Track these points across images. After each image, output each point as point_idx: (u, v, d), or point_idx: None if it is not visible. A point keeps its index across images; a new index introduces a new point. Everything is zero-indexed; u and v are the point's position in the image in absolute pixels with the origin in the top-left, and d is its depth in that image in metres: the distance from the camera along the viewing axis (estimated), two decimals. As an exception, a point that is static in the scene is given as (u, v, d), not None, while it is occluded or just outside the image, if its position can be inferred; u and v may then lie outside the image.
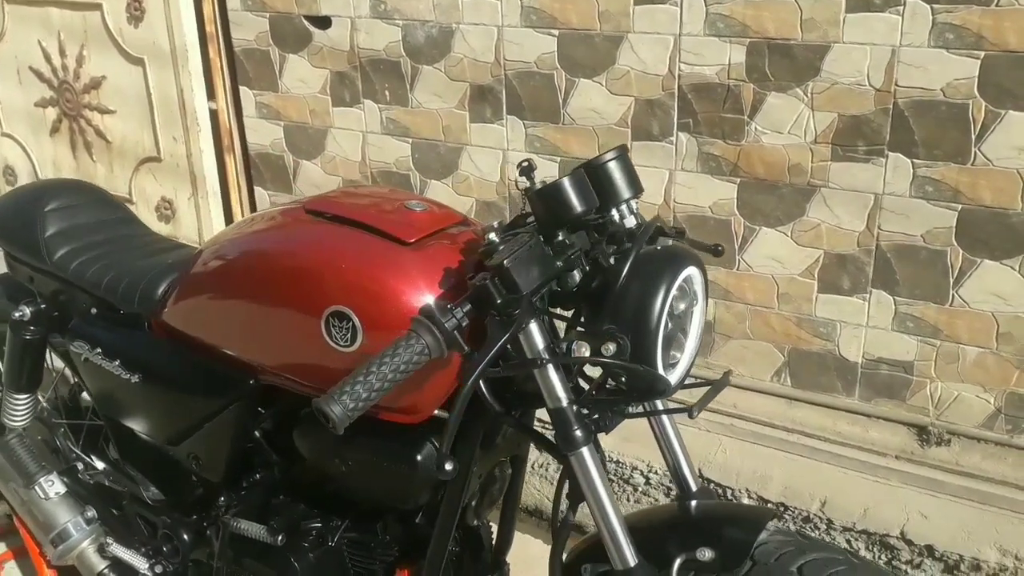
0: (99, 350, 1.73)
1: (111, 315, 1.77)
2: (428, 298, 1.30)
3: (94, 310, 1.80)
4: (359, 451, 1.44)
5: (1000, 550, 2.26)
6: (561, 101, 2.76)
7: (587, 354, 1.21)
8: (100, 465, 1.92)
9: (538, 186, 1.31)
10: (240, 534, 1.63)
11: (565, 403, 1.27)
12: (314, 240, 1.42)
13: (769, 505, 2.48)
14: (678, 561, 1.28)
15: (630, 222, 1.36)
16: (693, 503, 1.39)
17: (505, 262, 1.18)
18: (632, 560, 1.28)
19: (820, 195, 2.47)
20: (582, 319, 1.29)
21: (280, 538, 1.58)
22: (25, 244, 1.84)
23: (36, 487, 1.83)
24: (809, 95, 2.39)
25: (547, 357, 1.24)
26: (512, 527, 1.70)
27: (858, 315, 2.54)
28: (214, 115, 3.40)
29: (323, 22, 3.10)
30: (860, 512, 2.40)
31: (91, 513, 1.90)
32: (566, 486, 1.33)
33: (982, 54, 2.15)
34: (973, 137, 2.22)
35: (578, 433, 1.27)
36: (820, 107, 2.39)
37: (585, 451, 1.27)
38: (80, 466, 1.92)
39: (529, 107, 2.83)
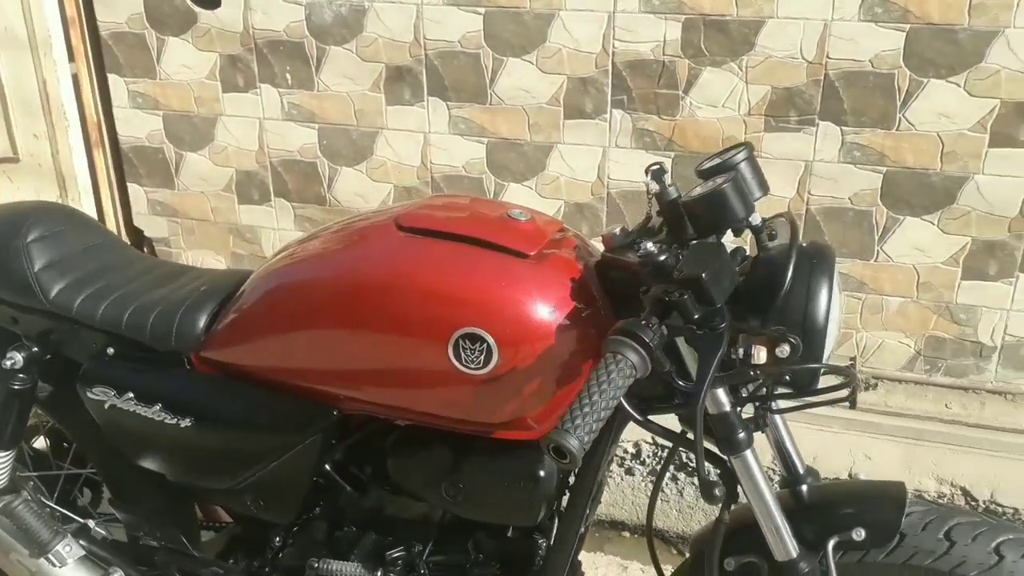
0: (130, 395, 1.56)
1: (136, 355, 1.60)
2: (560, 312, 1.30)
3: (110, 350, 1.61)
4: (474, 473, 1.41)
5: (937, 479, 2.54)
6: (488, 81, 2.77)
7: (764, 358, 1.24)
8: (123, 519, 1.75)
9: (669, 189, 1.32)
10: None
11: (728, 407, 1.28)
12: (428, 260, 1.36)
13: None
14: (831, 543, 1.33)
15: (754, 219, 1.37)
16: (805, 487, 1.42)
17: (704, 275, 1.17)
18: (794, 551, 1.33)
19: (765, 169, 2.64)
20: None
21: (379, 574, 1.53)
22: (8, 282, 1.62)
23: (51, 555, 1.63)
24: (744, 69, 2.54)
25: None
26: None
27: (789, 276, 2.74)
28: (80, 107, 3.11)
29: (210, 2, 2.91)
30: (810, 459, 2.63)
31: (119, 575, 1.74)
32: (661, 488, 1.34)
33: (907, 27, 2.37)
34: (898, 104, 2.46)
35: (741, 436, 1.29)
36: (754, 80, 2.54)
37: (748, 453, 1.30)
38: (92, 523, 1.74)
39: (453, 88, 2.81)
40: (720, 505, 1.30)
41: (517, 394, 1.32)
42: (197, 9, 2.94)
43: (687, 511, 2.70)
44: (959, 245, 2.56)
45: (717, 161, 1.34)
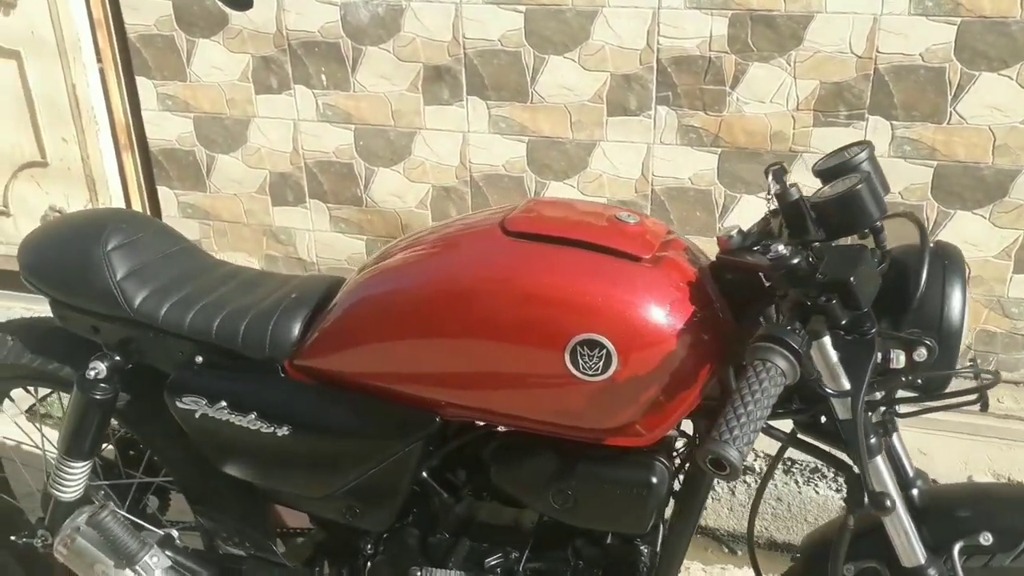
0: (223, 404, 1.56)
1: (227, 363, 1.60)
2: (678, 316, 1.30)
3: (199, 359, 1.61)
4: (583, 480, 1.41)
5: (994, 474, 2.56)
6: (529, 79, 2.76)
7: (903, 362, 1.22)
8: (207, 526, 1.76)
9: (791, 190, 1.31)
10: None
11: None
12: (541, 265, 1.35)
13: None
14: (956, 547, 1.34)
15: None
16: (916, 491, 1.41)
17: (852, 279, 1.17)
18: (921, 556, 1.34)
19: (802, 160, 2.64)
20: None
21: None
22: (91, 292, 1.62)
23: (139, 566, 1.64)
24: (792, 64, 2.53)
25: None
26: None
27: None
28: (108, 111, 3.09)
29: (242, 3, 2.89)
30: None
31: None
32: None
33: (959, 20, 2.37)
34: (949, 98, 2.45)
35: (872, 442, 1.29)
36: (803, 75, 2.54)
37: (879, 459, 1.30)
38: (175, 532, 1.74)
39: (492, 86, 2.80)
40: (847, 511, 1.31)
41: (633, 400, 1.33)
42: (228, 11, 2.93)
43: (739, 509, 2.72)
44: (1011, 239, 2.56)
45: (837, 161, 1.34)
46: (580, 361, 1.31)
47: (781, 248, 1.22)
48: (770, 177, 1.34)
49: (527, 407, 1.40)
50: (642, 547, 1.54)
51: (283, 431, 1.53)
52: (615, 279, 1.32)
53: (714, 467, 1.07)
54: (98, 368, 1.64)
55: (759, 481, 2.63)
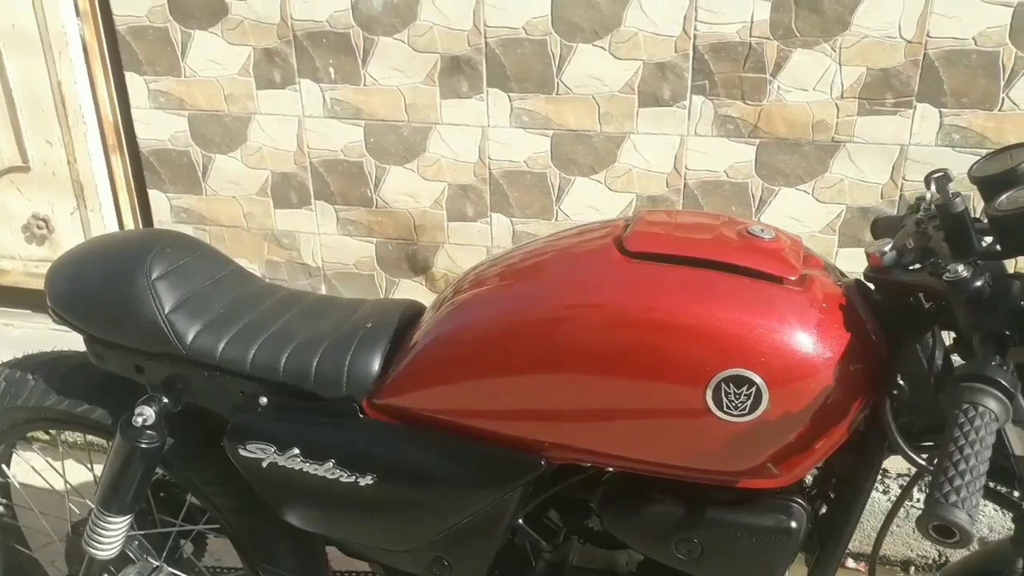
0: (295, 451, 1.38)
1: (297, 404, 1.42)
2: (833, 345, 1.16)
3: (263, 400, 1.43)
4: (714, 528, 1.27)
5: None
6: (555, 69, 2.63)
7: None
8: None
9: (956, 200, 1.15)
10: None
11: None
12: (674, 291, 1.20)
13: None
14: None
15: None
16: None
17: None
18: None
19: (844, 150, 2.55)
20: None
21: None
22: (135, 327, 1.43)
23: None
24: (837, 50, 2.43)
25: None
26: None
27: (878, 265, 2.67)
28: (96, 109, 2.90)
29: (243, -9, 2.73)
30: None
31: None
32: None
33: (1016, 1, 2.30)
34: (1002, 84, 2.38)
35: None
36: (848, 62, 2.44)
37: None
38: None
39: (515, 77, 2.67)
40: (1015, 553, 1.20)
41: (778, 440, 1.18)
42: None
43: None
44: (1061, 227, 2.51)
45: (1001, 167, 1.19)
46: (724, 400, 1.16)
47: (961, 269, 1.08)
48: (932, 186, 1.21)
49: (653, 450, 1.25)
50: None
51: (367, 480, 1.36)
52: (763, 305, 1.17)
53: (940, 535, 0.93)
54: (145, 414, 1.46)
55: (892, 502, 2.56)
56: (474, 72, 2.69)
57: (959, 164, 2.46)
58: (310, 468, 1.38)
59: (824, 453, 1.20)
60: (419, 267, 3.00)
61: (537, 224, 2.83)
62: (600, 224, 1.41)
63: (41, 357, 1.69)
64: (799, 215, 2.65)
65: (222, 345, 1.42)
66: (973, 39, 2.35)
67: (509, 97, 2.70)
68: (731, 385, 1.14)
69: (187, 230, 3.13)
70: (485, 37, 2.64)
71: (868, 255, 1.21)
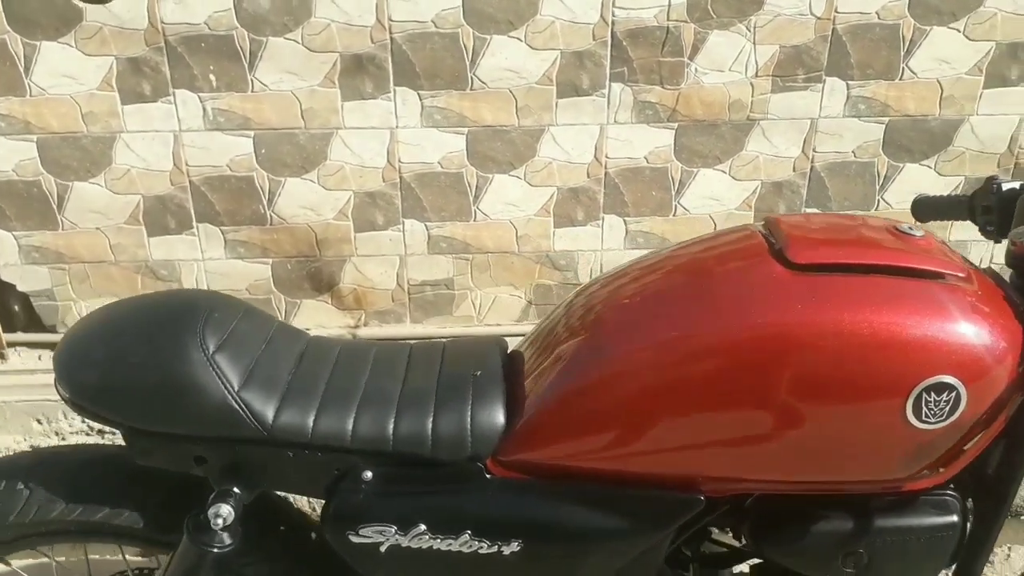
0: (421, 528, 1.22)
1: (410, 474, 1.25)
2: (1009, 337, 1.15)
3: (368, 475, 1.24)
4: (878, 536, 1.23)
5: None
6: (468, 63, 2.51)
7: None
8: None
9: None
10: None
11: None
12: (865, 302, 1.14)
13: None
14: None
15: None
16: None
17: None
18: None
19: (759, 128, 2.63)
20: None
21: None
22: (200, 413, 1.20)
23: None
24: (752, 29, 2.49)
25: None
26: None
27: (791, 236, 2.79)
28: (-83, 140, 2.44)
29: (100, -7, 2.39)
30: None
31: None
32: None
33: (913, -24, 2.46)
34: (902, 54, 2.54)
35: None
36: (762, 40, 2.51)
37: None
38: None
39: (425, 74, 2.53)
40: None
41: (963, 441, 1.19)
42: (82, 5, 2.41)
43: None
44: (953, 185, 2.73)
45: None
46: (924, 409, 1.14)
47: None
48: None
49: (831, 469, 1.21)
50: None
51: (511, 547, 1.23)
52: (948, 307, 1.15)
53: None
54: (223, 512, 1.22)
55: None
56: (379, 71, 2.53)
57: (865, 134, 2.62)
58: (442, 545, 1.23)
59: (984, 445, 1.23)
60: (324, 285, 2.80)
61: (454, 227, 2.72)
62: (724, 236, 1.34)
63: (23, 461, 1.40)
64: (717, 194, 2.72)
65: (312, 420, 1.23)
66: (876, 13, 2.49)
67: (419, 95, 2.56)
68: (931, 393, 1.13)
69: (41, 272, 2.74)
70: (390, 32, 2.48)
71: (1012, 242, 1.24)
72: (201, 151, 2.60)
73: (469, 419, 1.24)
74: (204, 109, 2.55)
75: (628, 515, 1.24)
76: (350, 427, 1.23)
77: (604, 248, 2.77)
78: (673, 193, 2.70)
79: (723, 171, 2.67)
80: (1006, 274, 1.28)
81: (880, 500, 1.25)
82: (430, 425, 1.23)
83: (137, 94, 2.52)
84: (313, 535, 1.42)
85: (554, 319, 1.36)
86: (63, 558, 1.61)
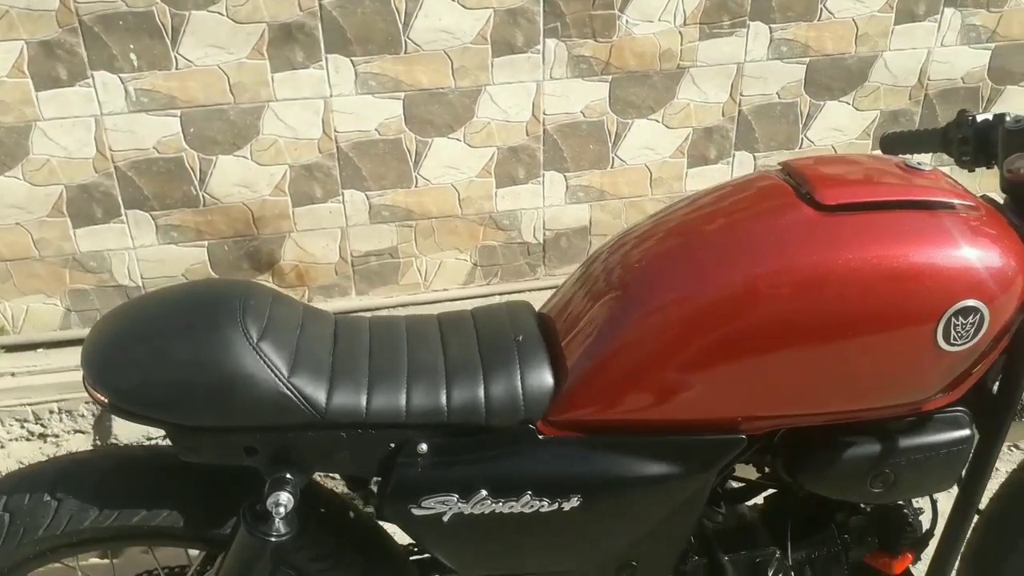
0: (482, 493, 1.23)
1: (466, 443, 1.26)
2: (1016, 259, 1.23)
3: (423, 447, 1.24)
4: (901, 456, 1.31)
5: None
6: (401, 26, 2.48)
7: None
8: None
9: None
10: None
11: None
12: (897, 236, 1.20)
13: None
14: None
15: None
16: None
17: None
18: None
19: (689, 76, 2.69)
20: None
21: None
22: (251, 403, 1.17)
23: None
24: (679, -22, 2.55)
25: None
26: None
27: (723, 177, 2.88)
28: None
29: (2, -28, 2.24)
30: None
31: None
32: None
33: (828, -81, 2.55)
34: (820, -5, 2.65)
35: None
36: (689, -11, 2.58)
37: None
38: None
39: (358, 40, 2.48)
40: None
41: (978, 360, 1.28)
42: (-15, -16, 2.26)
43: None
44: (870, 119, 2.87)
45: None
46: (952, 332, 1.22)
47: None
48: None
49: (863, 398, 1.28)
50: (905, 508, 1.52)
51: (571, 503, 1.26)
52: (970, 235, 1.23)
53: None
54: (282, 499, 1.20)
55: None
56: (309, 39, 2.46)
57: (788, 75, 2.72)
58: (504, 508, 1.25)
59: (991, 363, 1.33)
60: (263, 263, 2.74)
61: (395, 194, 2.69)
62: (745, 184, 1.38)
63: (45, 471, 1.34)
64: (652, 144, 2.78)
65: (364, 399, 1.22)
66: (794, -43, 2.59)
67: (352, 62, 2.51)
68: (959, 317, 1.21)
69: (-43, 274, 2.59)
70: (319, -1, 2.42)
71: (1008, 170, 1.33)
72: (125, 135, 2.49)
73: (520, 383, 1.26)
74: (126, 90, 2.44)
75: (677, 460, 1.28)
76: (404, 402, 1.23)
77: (546, 205, 2.80)
78: (610, 145, 2.75)
79: (656, 120, 2.74)
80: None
81: (901, 422, 1.34)
82: (482, 392, 1.25)
83: (52, 79, 2.38)
84: (352, 514, 1.42)
85: (580, 278, 1.39)
86: (84, 562, 1.56)
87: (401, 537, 1.40)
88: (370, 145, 2.62)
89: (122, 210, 2.58)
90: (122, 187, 2.55)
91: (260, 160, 2.59)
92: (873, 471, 1.33)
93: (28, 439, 2.67)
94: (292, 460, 1.25)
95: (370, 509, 1.37)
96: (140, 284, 2.68)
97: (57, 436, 2.71)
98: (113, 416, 2.62)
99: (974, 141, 1.44)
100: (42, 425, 2.63)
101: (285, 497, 1.21)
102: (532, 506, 1.25)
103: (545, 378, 1.27)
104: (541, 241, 2.86)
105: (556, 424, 1.27)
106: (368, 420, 1.22)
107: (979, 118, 1.45)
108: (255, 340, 1.19)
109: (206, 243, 2.67)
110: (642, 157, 2.79)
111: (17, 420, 2.63)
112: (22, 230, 2.56)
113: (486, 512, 1.25)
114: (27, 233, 2.56)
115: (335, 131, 2.58)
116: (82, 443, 2.72)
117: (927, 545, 1.52)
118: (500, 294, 2.88)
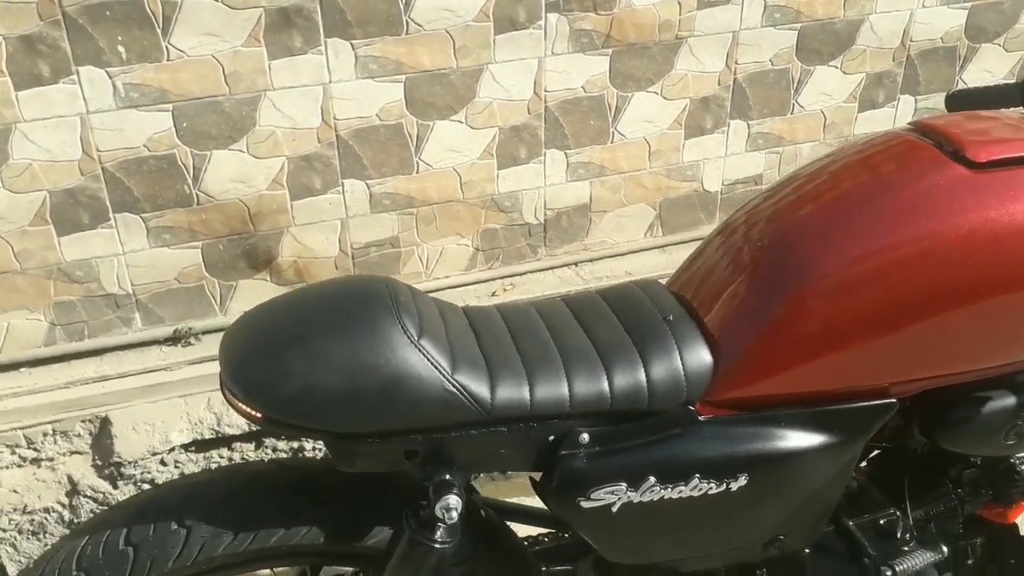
0: (651, 480, 1.22)
1: (628, 429, 1.23)
2: None
3: (585, 437, 1.21)
4: None
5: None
6: (402, 6, 2.40)
7: None
8: None
9: None
10: None
11: None
12: None
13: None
14: None
15: None
16: None
17: None
18: None
19: (687, 46, 2.70)
20: None
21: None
22: (418, 405, 1.13)
23: None
24: (677, -52, 2.55)
25: None
26: None
27: (718, 148, 2.91)
28: None
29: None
30: None
31: None
32: None
33: None
34: (811, -40, 2.69)
35: None
36: (688, -43, 2.58)
37: None
38: None
39: (357, 22, 2.39)
40: None
41: None
42: (-42, -24, 2.09)
43: None
44: (856, 82, 2.94)
45: None
46: None
47: None
48: None
49: (1008, 350, 1.32)
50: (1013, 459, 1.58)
51: (739, 482, 1.27)
52: None
53: None
54: (451, 503, 1.17)
55: None
56: (308, 22, 2.37)
57: (781, 41, 2.77)
58: (673, 493, 1.24)
59: None
60: (261, 262, 2.64)
61: (396, 181, 2.63)
62: (879, 146, 1.38)
63: (167, 498, 1.25)
64: (651, 116, 2.79)
65: (527, 391, 1.19)
66: (793, -79, 2.62)
67: (352, 45, 2.43)
68: None
69: (-69, 293, 2.41)
70: (318, -19, 2.33)
71: None
72: (114, 133, 2.36)
73: (681, 365, 1.25)
74: (114, 86, 2.30)
75: (835, 430, 1.30)
76: (566, 392, 1.20)
77: (548, 184, 2.78)
78: (610, 120, 2.75)
79: (655, 92, 2.75)
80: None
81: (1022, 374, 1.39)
82: (643, 376, 1.23)
83: (34, 77, 2.23)
84: (482, 512, 1.39)
85: (714, 251, 1.38)
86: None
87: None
88: (371, 131, 2.55)
89: (111, 214, 2.45)
90: (110, 189, 2.41)
91: (257, 153, 2.49)
92: (1008, 424, 1.37)
93: (20, 465, 2.52)
94: (451, 462, 1.21)
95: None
96: (131, 292, 2.55)
97: (52, 459, 2.56)
98: (114, 434, 2.51)
99: None
100: (35, 449, 2.49)
101: (454, 500, 1.17)
102: (700, 489, 1.25)
103: (704, 357, 1.26)
104: (542, 221, 2.84)
105: (714, 404, 1.27)
106: (532, 413, 1.19)
107: None
108: (416, 337, 1.14)
109: (200, 244, 2.56)
110: (641, 130, 2.79)
111: (7, 446, 2.47)
112: (2, 242, 2.40)
113: (655, 499, 1.25)
114: (7, 245, 2.40)
115: (335, 119, 2.50)
116: (80, 465, 2.58)
117: None
118: (502, 278, 2.87)
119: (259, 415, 1.15)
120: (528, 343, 1.27)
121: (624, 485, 1.24)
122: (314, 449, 2.63)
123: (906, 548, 1.46)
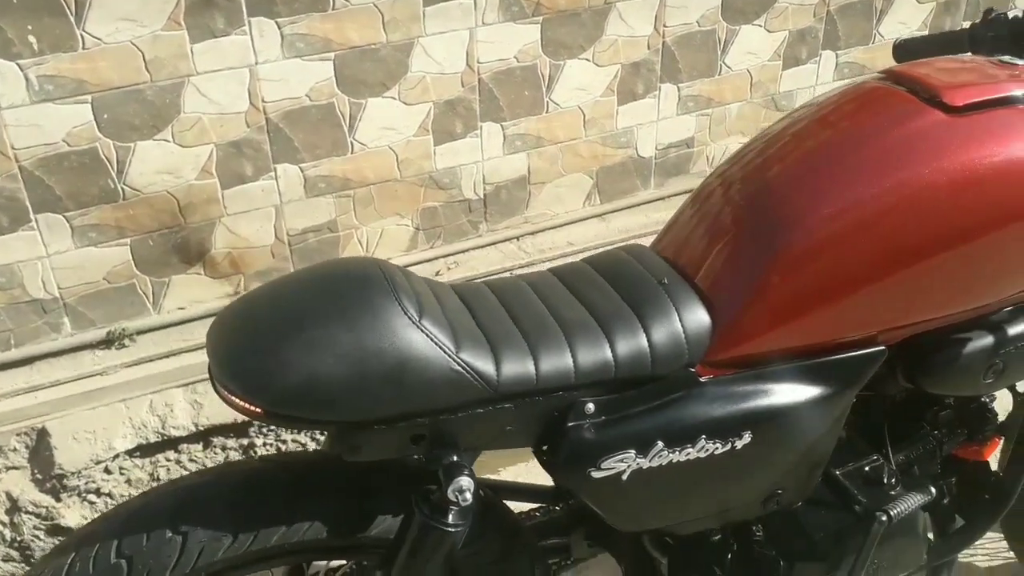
0: (659, 445, 1.20)
1: (632, 396, 1.22)
2: None
3: (590, 407, 1.19)
4: (1009, 343, 1.38)
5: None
6: (328, -18, 2.34)
7: None
8: None
9: None
10: None
11: None
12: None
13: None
14: None
15: None
16: None
17: None
18: None
19: (616, 10, 2.70)
20: None
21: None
22: (424, 388, 1.09)
23: None
24: (602, -89, 2.54)
25: None
26: None
27: (650, 113, 2.92)
28: None
29: None
30: None
31: None
32: None
33: None
34: (733, -80, 2.71)
35: None
36: (612, -79, 2.57)
37: None
38: None
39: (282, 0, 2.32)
40: None
41: None
42: None
43: None
44: (780, 40, 2.98)
45: None
46: None
47: None
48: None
49: (997, 291, 1.35)
50: (986, 399, 1.62)
51: (744, 440, 1.27)
52: None
53: None
54: (463, 485, 1.14)
55: None
56: (230, 2, 2.28)
57: (707, 2, 2.79)
58: (681, 456, 1.24)
59: None
60: (193, 255, 2.54)
61: (331, 163, 2.56)
62: (853, 95, 1.38)
63: (158, 504, 1.18)
64: (584, 84, 2.78)
65: (532, 365, 1.17)
66: None
67: (277, 24, 2.35)
68: None
69: None
70: (238, -42, 2.24)
71: None
72: (29, 129, 2.23)
73: (681, 327, 1.24)
74: (26, 79, 2.18)
75: (830, 381, 1.31)
76: (571, 363, 1.19)
77: (485, 158, 2.75)
78: (544, 90, 2.73)
79: (587, 59, 2.74)
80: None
81: (1005, 312, 1.42)
82: (645, 341, 1.22)
83: (-63, 72, 2.10)
84: (482, 492, 1.37)
85: (696, 211, 1.37)
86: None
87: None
88: (301, 113, 2.47)
89: (31, 215, 2.32)
90: (29, 189, 2.29)
91: (183, 142, 2.40)
92: (987, 363, 1.41)
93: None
94: (458, 443, 1.18)
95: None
96: (58, 295, 2.43)
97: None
98: (53, 445, 2.39)
99: (1011, 37, 1.54)
100: (-34, 469, 2.36)
101: (467, 482, 1.14)
102: (707, 450, 1.25)
103: (703, 318, 1.26)
104: (482, 196, 2.81)
105: (714, 364, 1.27)
106: (539, 386, 1.17)
107: (1009, 15, 1.54)
108: (417, 318, 1.11)
109: (129, 240, 2.45)
110: (575, 99, 2.78)
111: (-64, 469, 2.34)
112: (-86, 251, 2.26)
113: (663, 464, 1.24)
114: (-79, 254, 2.27)
115: (263, 101, 2.42)
116: (18, 480, 2.46)
117: (1015, 430, 1.64)
118: (445, 256, 2.83)
119: (259, 410, 1.09)
120: (525, 317, 1.24)
121: (633, 452, 1.23)
122: (292, 442, 2.56)
123: (893, 493, 1.49)
